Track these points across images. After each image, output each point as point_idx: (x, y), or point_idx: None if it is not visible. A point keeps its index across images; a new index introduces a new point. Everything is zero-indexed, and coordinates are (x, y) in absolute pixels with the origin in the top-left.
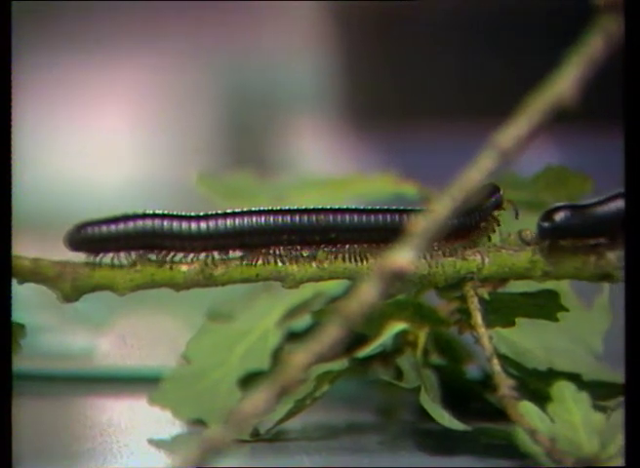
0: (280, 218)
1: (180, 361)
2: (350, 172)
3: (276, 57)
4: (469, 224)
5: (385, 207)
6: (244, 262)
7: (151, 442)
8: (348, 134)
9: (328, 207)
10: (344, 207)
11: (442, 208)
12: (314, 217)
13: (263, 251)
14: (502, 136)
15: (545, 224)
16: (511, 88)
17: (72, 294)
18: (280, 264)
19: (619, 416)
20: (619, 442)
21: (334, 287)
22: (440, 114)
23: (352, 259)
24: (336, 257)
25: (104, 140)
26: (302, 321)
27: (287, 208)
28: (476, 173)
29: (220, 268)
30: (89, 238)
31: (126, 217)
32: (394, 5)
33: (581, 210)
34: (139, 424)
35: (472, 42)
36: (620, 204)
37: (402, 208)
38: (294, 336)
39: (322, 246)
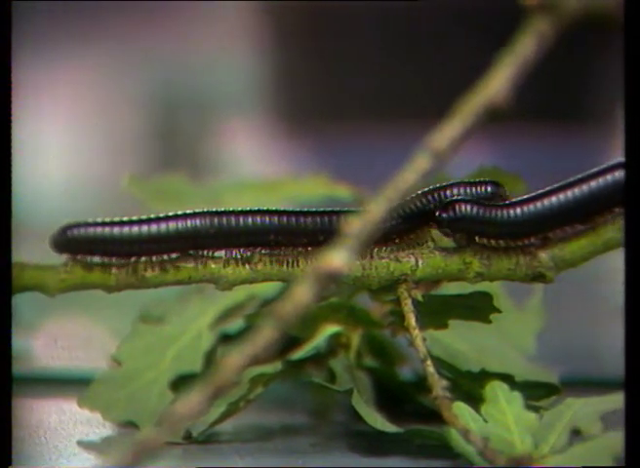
0: (215, 221)
1: (110, 363)
2: (283, 174)
3: (208, 58)
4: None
5: (320, 208)
6: (177, 265)
7: (81, 443)
8: (280, 135)
9: (263, 208)
10: (279, 209)
11: (377, 209)
12: (250, 219)
13: (197, 253)
14: (436, 138)
15: (444, 215)
16: (445, 88)
17: None
18: (214, 266)
19: (551, 416)
20: (551, 441)
21: (267, 289)
22: (373, 115)
23: (286, 262)
24: (270, 260)
25: (37, 141)
26: (236, 323)
27: (221, 209)
28: (411, 174)
29: (153, 270)
30: (75, 240)
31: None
32: (326, 4)
33: (486, 207)
34: (68, 426)
35: (405, 42)
36: (543, 205)
37: (336, 209)
38: (227, 339)
39: (257, 248)
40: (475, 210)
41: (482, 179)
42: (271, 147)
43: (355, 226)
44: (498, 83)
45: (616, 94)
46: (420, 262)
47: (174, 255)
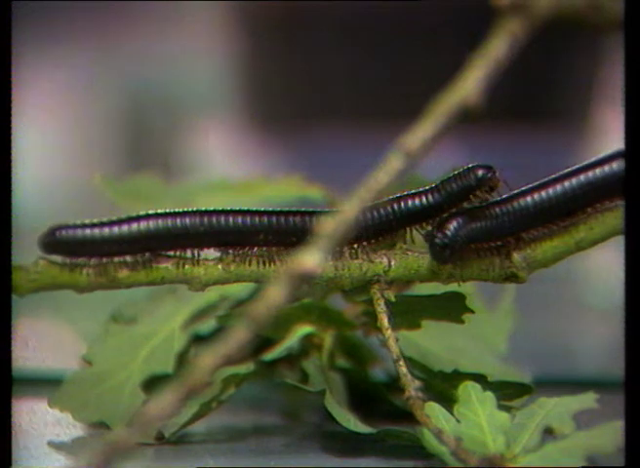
0: (187, 221)
1: (81, 363)
2: (255, 174)
3: (180, 57)
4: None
5: (293, 209)
6: (150, 265)
7: (52, 444)
8: (252, 136)
9: (236, 209)
10: (252, 209)
11: (350, 209)
12: (222, 220)
13: (171, 253)
14: (409, 138)
15: (438, 240)
16: (418, 89)
17: None
18: (186, 267)
19: (523, 416)
20: (523, 440)
21: (239, 290)
22: (345, 116)
23: (259, 262)
24: (242, 260)
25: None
26: (208, 324)
27: (194, 209)
28: (384, 174)
29: (125, 271)
30: (64, 240)
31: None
32: (297, 5)
33: (473, 214)
34: (39, 426)
35: (378, 42)
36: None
37: (310, 209)
38: (199, 340)
39: (230, 248)
40: (465, 225)
41: (469, 166)
42: (243, 148)
43: (328, 227)
44: (470, 83)
45: (585, 92)
46: (392, 263)
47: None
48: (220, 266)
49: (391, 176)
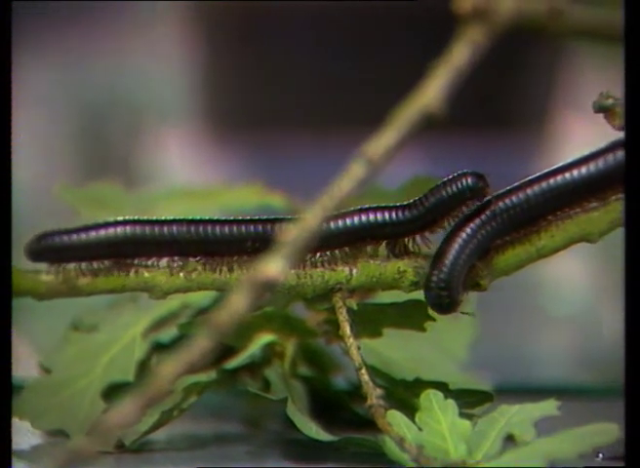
0: (147, 229)
1: (40, 371)
2: (216, 182)
3: (140, 65)
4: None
5: (255, 217)
6: (110, 272)
7: (12, 453)
8: (212, 143)
9: (197, 218)
10: (213, 218)
11: (312, 217)
12: (184, 228)
13: (130, 261)
14: (372, 146)
15: (434, 283)
16: (380, 96)
17: None
18: (147, 275)
19: (485, 423)
20: (485, 448)
21: (201, 298)
22: (306, 123)
23: (221, 270)
24: (204, 268)
25: None
26: (169, 332)
27: (156, 218)
28: (346, 182)
29: (85, 278)
30: (50, 248)
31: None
32: (260, 11)
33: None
34: None
35: (340, 49)
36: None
37: (272, 217)
38: (160, 348)
39: (192, 257)
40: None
41: (459, 173)
42: (203, 155)
43: (291, 235)
44: (432, 91)
45: (545, 98)
46: (354, 271)
47: (151, 261)
48: (181, 274)
49: (354, 184)
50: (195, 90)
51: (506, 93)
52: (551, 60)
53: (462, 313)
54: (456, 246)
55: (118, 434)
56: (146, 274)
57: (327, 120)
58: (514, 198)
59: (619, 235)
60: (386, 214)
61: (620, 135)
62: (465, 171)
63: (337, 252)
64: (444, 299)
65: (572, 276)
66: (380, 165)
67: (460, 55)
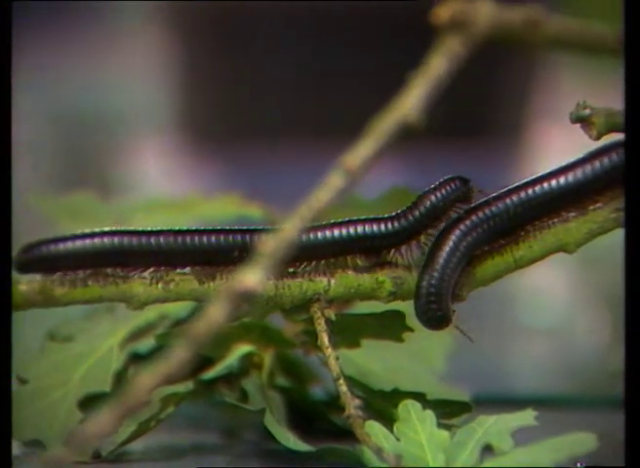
0: (179, 239)
1: (17, 381)
2: (193, 193)
3: (117, 75)
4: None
5: (233, 227)
6: (87, 283)
7: None
8: (190, 155)
9: (176, 228)
10: (192, 228)
11: (291, 228)
12: (161, 239)
13: (109, 271)
14: (350, 156)
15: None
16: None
17: None
18: (124, 286)
19: (463, 433)
20: (463, 458)
21: (179, 309)
22: (283, 134)
23: (199, 281)
24: (182, 279)
25: None
26: (146, 343)
27: (134, 229)
28: (325, 192)
29: (61, 288)
30: (38, 258)
31: None
32: (238, 24)
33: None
34: None
35: (319, 60)
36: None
37: (250, 228)
38: (137, 358)
39: (171, 267)
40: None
41: (445, 179)
42: (180, 166)
43: (269, 245)
44: (411, 101)
45: (521, 109)
46: (332, 282)
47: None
48: (159, 285)
49: (333, 195)
50: (173, 101)
51: (482, 102)
52: (527, 70)
53: (457, 328)
54: (443, 254)
55: (95, 444)
56: (124, 285)
57: (305, 131)
58: (494, 208)
59: (596, 246)
60: (375, 226)
61: (598, 144)
62: (451, 175)
63: (321, 262)
64: (434, 311)
65: (549, 287)
66: (358, 175)
67: (438, 65)
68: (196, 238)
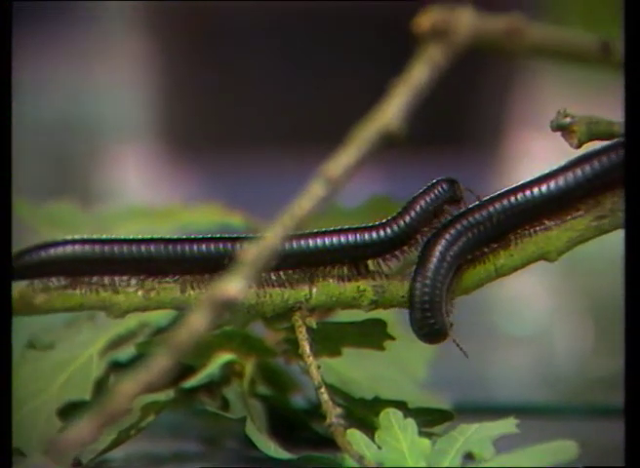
0: (170, 247)
1: None
2: (174, 202)
3: (98, 84)
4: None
5: (215, 235)
6: (68, 290)
7: None
8: (170, 163)
9: (157, 237)
10: (173, 237)
11: (273, 236)
12: (142, 247)
13: (88, 279)
14: (331, 165)
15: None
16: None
17: None
18: (105, 294)
19: (444, 442)
20: (444, 466)
21: (160, 317)
22: (265, 142)
23: (180, 289)
24: (163, 287)
25: None
26: (127, 351)
27: (114, 237)
28: (306, 201)
29: (41, 296)
30: (19, 266)
31: None
32: (218, 32)
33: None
34: None
35: (300, 68)
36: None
37: (232, 236)
38: (118, 367)
39: (151, 276)
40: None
41: (432, 182)
42: (161, 175)
43: (251, 254)
44: (392, 110)
45: (500, 118)
46: (314, 290)
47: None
48: (139, 293)
49: (314, 203)
50: (153, 110)
51: (462, 111)
52: (507, 78)
53: (454, 341)
54: (431, 266)
55: (75, 452)
56: (104, 293)
57: (286, 139)
58: (477, 215)
59: (576, 254)
60: (366, 235)
61: (579, 152)
62: (439, 178)
63: (305, 271)
64: (430, 325)
65: (529, 295)
66: (339, 184)
67: (419, 74)
68: (195, 246)
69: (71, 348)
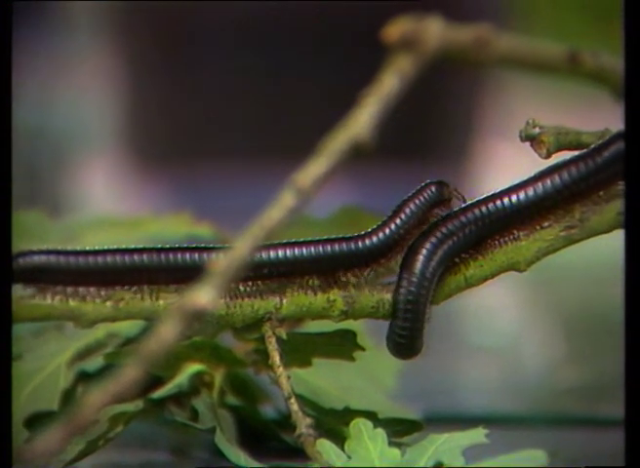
0: (161, 256)
1: None
2: (142, 212)
3: (65, 95)
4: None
5: (184, 246)
6: (35, 300)
7: None
8: (138, 173)
9: (125, 247)
10: (141, 247)
11: (242, 247)
12: (109, 258)
13: (55, 289)
14: (302, 175)
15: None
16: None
17: None
18: (73, 304)
19: (414, 452)
20: None
21: (128, 327)
22: (234, 152)
23: (149, 299)
24: (132, 297)
25: None
26: (95, 361)
27: (81, 248)
28: (276, 211)
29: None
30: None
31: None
32: (185, 42)
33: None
34: None
35: (268, 81)
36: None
37: (201, 246)
38: (86, 377)
39: (120, 285)
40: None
41: (421, 185)
42: (129, 185)
43: (221, 264)
44: (362, 120)
45: (468, 128)
46: (284, 300)
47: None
48: (108, 303)
49: (284, 213)
50: (120, 120)
51: (431, 121)
52: (475, 89)
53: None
54: (414, 279)
55: (43, 463)
56: (72, 303)
57: (255, 150)
58: (450, 226)
59: (545, 265)
60: (352, 244)
61: (549, 162)
62: (427, 181)
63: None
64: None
65: (498, 306)
66: (310, 194)
67: (389, 84)
68: (162, 256)
69: (39, 358)
